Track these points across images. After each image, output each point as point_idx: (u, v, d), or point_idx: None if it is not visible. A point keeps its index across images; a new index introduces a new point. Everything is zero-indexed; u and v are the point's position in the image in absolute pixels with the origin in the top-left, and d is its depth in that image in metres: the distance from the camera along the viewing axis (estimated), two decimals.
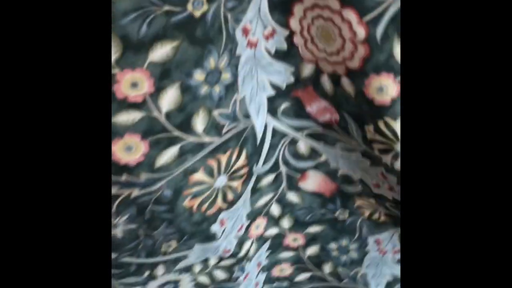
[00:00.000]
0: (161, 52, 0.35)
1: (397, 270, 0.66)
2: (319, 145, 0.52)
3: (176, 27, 0.35)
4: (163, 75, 0.37)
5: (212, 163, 0.45)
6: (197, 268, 0.56)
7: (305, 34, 0.42)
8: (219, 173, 0.47)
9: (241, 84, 0.43)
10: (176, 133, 0.41)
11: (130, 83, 0.36)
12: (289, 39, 0.43)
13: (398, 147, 0.45)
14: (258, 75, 0.44)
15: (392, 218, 0.58)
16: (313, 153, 0.52)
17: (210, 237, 0.52)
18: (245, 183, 0.51)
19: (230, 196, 0.50)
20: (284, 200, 0.57)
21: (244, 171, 0.49)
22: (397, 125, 0.43)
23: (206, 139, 0.43)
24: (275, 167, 0.53)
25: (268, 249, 0.62)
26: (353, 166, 0.52)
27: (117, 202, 0.43)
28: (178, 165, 0.43)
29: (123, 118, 0.37)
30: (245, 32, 0.40)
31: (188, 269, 0.55)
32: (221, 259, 0.56)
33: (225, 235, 0.53)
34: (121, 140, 0.39)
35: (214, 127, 0.43)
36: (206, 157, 0.44)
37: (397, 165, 0.46)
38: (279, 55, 0.44)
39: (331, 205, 0.57)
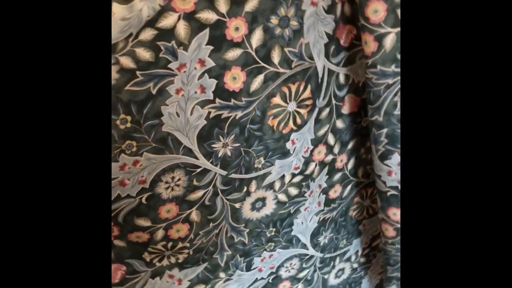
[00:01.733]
0: (251, 3, 0.54)
1: None
2: (349, 68, 0.70)
3: None
4: (252, 20, 0.55)
5: (285, 90, 0.64)
6: (277, 185, 0.73)
7: None
8: (290, 99, 0.65)
9: (306, 32, 0.61)
10: (261, 64, 0.59)
11: (234, 27, 0.54)
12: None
13: None
14: (318, 26, 0.62)
15: None
16: (346, 79, 0.71)
17: (286, 153, 0.70)
18: (310, 112, 0.69)
19: (298, 120, 0.68)
20: (335, 128, 0.75)
21: (309, 102, 0.67)
22: None
23: (281, 69, 0.61)
24: (329, 101, 0.71)
25: (327, 174, 0.79)
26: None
27: (227, 123, 0.61)
28: (263, 90, 0.61)
29: (230, 54, 0.56)
30: None
31: (271, 186, 0.73)
32: (293, 175, 0.74)
33: (295, 153, 0.71)
34: (230, 72, 0.57)
35: (285, 61, 0.61)
36: (281, 85, 0.63)
37: None
38: (328, 10, 0.62)
39: (359, 117, 0.76)
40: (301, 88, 0.65)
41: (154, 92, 0.53)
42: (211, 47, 0.54)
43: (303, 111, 0.68)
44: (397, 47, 0.59)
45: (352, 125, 0.76)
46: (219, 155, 0.63)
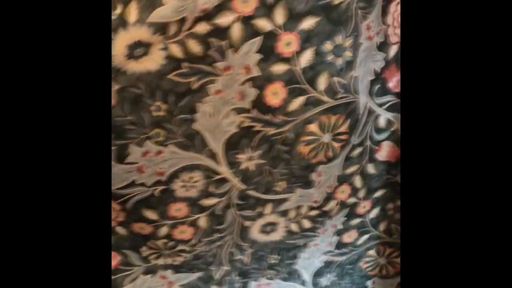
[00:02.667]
0: (308, 22, 0.53)
1: None
2: (393, 115, 0.68)
3: (321, 7, 0.53)
4: (306, 39, 0.54)
5: (324, 119, 0.62)
6: (292, 214, 0.71)
7: (395, 23, 0.60)
8: (327, 130, 0.63)
9: (358, 65, 0.60)
10: (305, 86, 0.58)
11: (286, 42, 0.54)
12: (385, 31, 0.61)
13: None
14: (368, 62, 0.61)
15: None
16: (388, 124, 0.68)
17: (308, 183, 0.68)
18: (343, 148, 0.67)
19: (330, 153, 0.66)
20: (364, 172, 0.72)
21: (344, 137, 0.66)
22: None
23: (325, 97, 0.60)
24: (364, 141, 0.68)
25: (345, 216, 0.76)
26: None
27: (258, 137, 0.60)
28: (302, 113, 0.60)
29: (277, 68, 0.55)
30: (368, 28, 0.58)
31: (285, 213, 0.70)
32: (310, 208, 0.72)
33: (319, 186, 0.69)
34: (272, 86, 0.56)
35: (331, 91, 0.60)
36: (321, 113, 0.61)
37: None
38: (380, 46, 0.62)
39: (394, 170, 0.72)
40: (341, 121, 0.63)
41: (194, 87, 0.53)
42: (260, 56, 0.53)
43: (336, 144, 0.66)
44: None
45: (384, 174, 0.73)
46: (242, 167, 0.62)
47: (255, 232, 0.70)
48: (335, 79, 0.59)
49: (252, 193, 0.65)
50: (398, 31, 0.61)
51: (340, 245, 0.80)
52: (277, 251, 0.74)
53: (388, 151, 0.71)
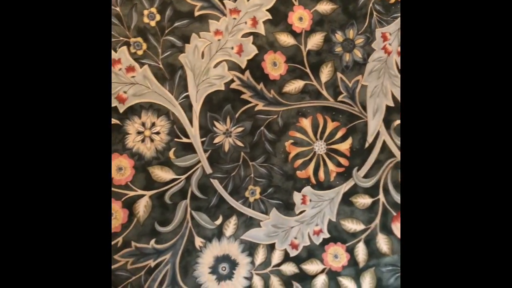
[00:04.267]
0: (325, 6, 0.55)
1: None
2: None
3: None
4: (319, 21, 0.54)
5: (320, 119, 0.55)
6: (259, 256, 0.53)
7: None
8: (320, 136, 0.55)
9: (367, 73, 0.56)
10: (307, 70, 0.54)
11: (299, 16, 0.54)
12: None
13: None
14: (384, 79, 0.57)
15: None
16: None
17: (288, 206, 0.53)
18: (340, 177, 0.55)
19: (321, 175, 0.55)
20: (372, 243, 0.55)
21: (343, 161, 0.55)
22: None
23: (324, 92, 0.55)
24: (375, 191, 0.55)
25: None
26: None
27: (243, 109, 0.52)
28: (297, 100, 0.54)
29: (283, 38, 0.54)
30: (384, 37, 0.57)
31: (251, 252, 0.52)
32: (285, 256, 0.53)
33: (301, 218, 0.54)
34: (273, 54, 0.53)
35: (333, 86, 0.55)
36: (319, 109, 0.55)
37: None
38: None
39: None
40: (339, 134, 0.55)
41: (196, 13, 0.51)
42: (270, 16, 0.53)
43: (332, 167, 0.55)
44: None
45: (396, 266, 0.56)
46: (216, 141, 0.52)
47: (204, 270, 0.51)
48: (339, 75, 0.55)
49: (215, 185, 0.51)
50: None
51: None
52: None
53: None
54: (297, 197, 0.53)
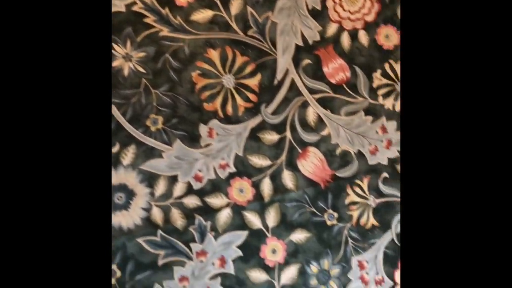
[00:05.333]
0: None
1: None
2: (326, 114, 0.56)
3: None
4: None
5: (229, 51, 0.53)
6: (159, 191, 0.50)
7: None
8: (229, 69, 0.53)
9: (277, 11, 0.54)
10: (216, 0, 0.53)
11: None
12: (323, 1, 0.57)
13: (398, 87, 0.56)
14: (294, 18, 0.56)
15: (379, 222, 0.55)
16: (319, 124, 0.55)
17: (193, 138, 0.51)
18: (249, 112, 0.54)
19: (229, 109, 0.53)
20: (278, 178, 0.54)
21: (252, 97, 0.54)
22: (398, 67, 0.56)
23: (233, 24, 0.53)
24: (281, 127, 0.54)
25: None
26: (353, 136, 0.56)
27: (146, 33, 0.50)
28: (205, 30, 0.52)
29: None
30: (361, 266, 0.55)
31: (150, 183, 0.50)
32: (188, 190, 0.51)
33: (207, 153, 0.52)
34: None
35: (242, 19, 0.53)
36: (227, 42, 0.53)
37: (398, 106, 0.56)
38: (314, 13, 0.56)
39: (323, 201, 0.55)
40: (248, 69, 0.54)
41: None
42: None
43: (240, 102, 0.53)
44: None
45: (309, 204, 0.55)
46: (114, 63, 0.48)
47: None
48: (249, 9, 0.54)
49: (113, 110, 0.48)
50: (339, 8, 0.57)
51: None
52: None
53: (315, 165, 0.56)
54: (203, 129, 0.51)
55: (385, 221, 0.56)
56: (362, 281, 0.54)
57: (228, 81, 0.53)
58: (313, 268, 0.53)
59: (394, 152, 0.56)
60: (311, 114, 0.55)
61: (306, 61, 0.56)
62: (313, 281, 0.53)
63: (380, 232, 0.56)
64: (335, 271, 0.53)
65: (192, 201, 0.51)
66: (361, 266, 0.54)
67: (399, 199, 0.54)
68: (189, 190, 0.51)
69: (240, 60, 0.53)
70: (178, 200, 0.50)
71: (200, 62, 0.52)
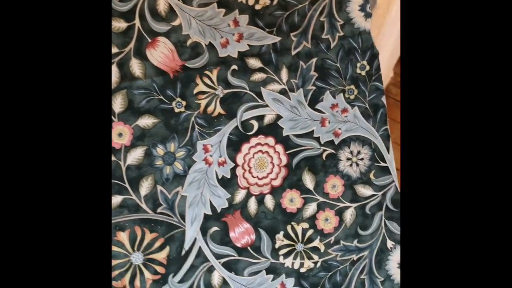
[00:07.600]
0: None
1: None
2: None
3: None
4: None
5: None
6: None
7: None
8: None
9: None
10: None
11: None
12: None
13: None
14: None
15: (225, 111, 0.58)
16: (170, 15, 0.54)
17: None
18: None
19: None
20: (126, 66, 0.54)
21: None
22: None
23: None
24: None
25: None
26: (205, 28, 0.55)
27: None
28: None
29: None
30: (206, 149, 0.59)
31: None
32: None
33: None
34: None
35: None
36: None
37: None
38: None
39: (171, 90, 0.55)
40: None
41: None
42: None
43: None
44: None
45: None
46: None
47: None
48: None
49: None
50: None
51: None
52: None
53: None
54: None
55: (232, 110, 0.57)
56: (206, 162, 0.57)
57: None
58: (159, 150, 0.56)
59: (244, 45, 0.56)
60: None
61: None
62: (159, 162, 0.56)
63: (226, 120, 0.57)
64: (181, 153, 0.52)
65: None
66: (205, 149, 0.57)
67: (246, 91, 0.57)
68: None
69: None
70: None
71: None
